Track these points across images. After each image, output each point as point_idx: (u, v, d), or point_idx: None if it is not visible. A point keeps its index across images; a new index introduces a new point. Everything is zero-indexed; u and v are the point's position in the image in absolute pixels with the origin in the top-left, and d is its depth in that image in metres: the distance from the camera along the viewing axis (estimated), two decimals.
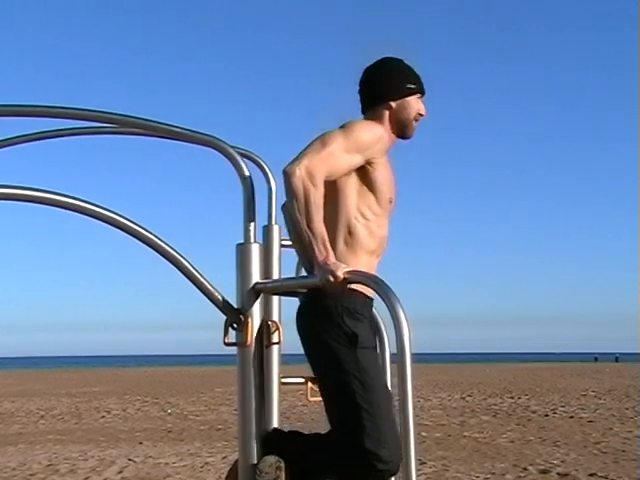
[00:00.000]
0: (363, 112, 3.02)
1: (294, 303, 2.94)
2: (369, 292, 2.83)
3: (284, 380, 2.95)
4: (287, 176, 2.70)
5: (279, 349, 2.87)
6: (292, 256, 3.14)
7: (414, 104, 2.99)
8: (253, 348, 2.75)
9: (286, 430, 2.89)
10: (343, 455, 2.71)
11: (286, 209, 2.97)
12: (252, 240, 2.82)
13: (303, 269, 3.02)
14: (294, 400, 16.14)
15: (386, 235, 2.94)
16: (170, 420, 14.32)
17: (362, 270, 2.69)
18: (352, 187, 2.85)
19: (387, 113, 2.97)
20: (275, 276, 2.89)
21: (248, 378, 2.76)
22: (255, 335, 2.74)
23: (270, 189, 3.12)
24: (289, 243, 3.06)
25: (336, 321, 2.73)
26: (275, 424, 2.87)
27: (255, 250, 2.81)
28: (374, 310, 2.95)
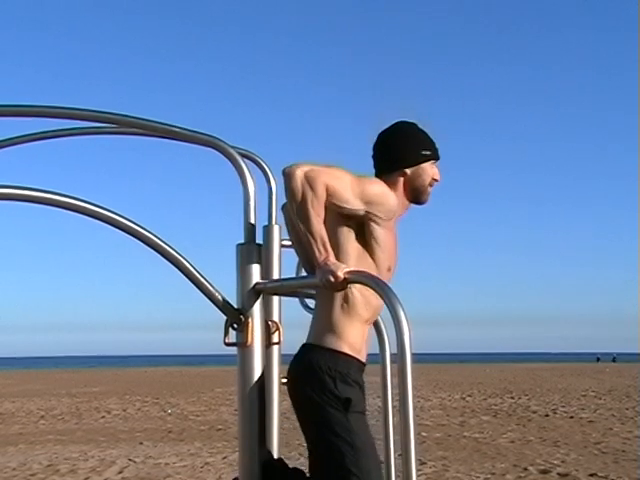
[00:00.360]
0: (377, 176, 2.96)
1: (294, 303, 2.94)
2: (362, 358, 2.84)
3: (284, 380, 2.95)
4: (287, 176, 2.69)
5: (279, 349, 2.87)
6: (292, 256, 3.14)
7: (429, 170, 2.96)
8: (253, 348, 2.75)
9: (289, 466, 2.87)
10: None
11: (286, 209, 2.97)
12: (252, 240, 2.82)
13: (303, 269, 3.02)
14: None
15: (381, 305, 2.82)
16: (170, 420, 14.32)
17: (362, 270, 2.69)
18: (352, 247, 2.81)
19: (401, 180, 2.93)
20: (275, 276, 2.89)
21: (248, 378, 2.76)
22: (255, 335, 2.74)
23: (270, 189, 3.12)
24: (289, 243, 3.06)
25: (329, 386, 2.72)
26: (275, 424, 2.88)
27: (255, 250, 2.81)
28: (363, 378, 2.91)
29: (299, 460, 8.61)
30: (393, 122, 3.03)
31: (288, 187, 2.69)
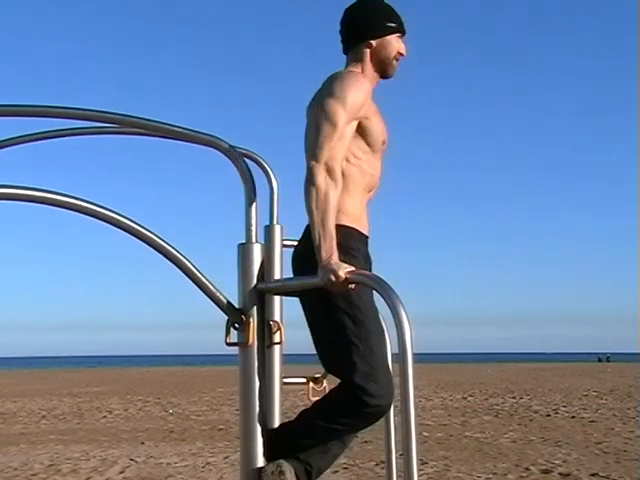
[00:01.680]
0: (345, 52, 3.07)
1: (295, 303, 2.94)
2: (363, 229, 2.91)
3: (286, 380, 2.95)
4: (312, 171, 2.77)
5: (281, 349, 2.86)
6: None
7: (394, 43, 3.03)
8: (255, 348, 2.75)
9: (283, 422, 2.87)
10: (336, 396, 2.74)
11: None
12: (254, 240, 2.82)
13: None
14: (296, 400, 16.13)
15: (378, 173, 3.00)
16: (172, 420, 14.32)
17: (363, 271, 2.70)
18: (349, 132, 2.90)
19: (368, 52, 3.02)
20: (277, 276, 2.89)
21: (250, 378, 2.76)
22: (257, 335, 2.74)
23: (271, 189, 3.12)
24: (291, 243, 3.06)
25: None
26: (277, 424, 2.87)
27: (257, 250, 2.81)
28: (369, 250, 2.98)
29: None
30: None
31: (311, 179, 2.77)
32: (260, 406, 2.76)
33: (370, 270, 2.92)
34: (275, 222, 3.02)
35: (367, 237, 2.95)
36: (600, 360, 64.62)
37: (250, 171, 2.82)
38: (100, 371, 48.68)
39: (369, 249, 3.00)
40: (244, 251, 2.81)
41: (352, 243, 2.83)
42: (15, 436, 12.06)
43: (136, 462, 9.03)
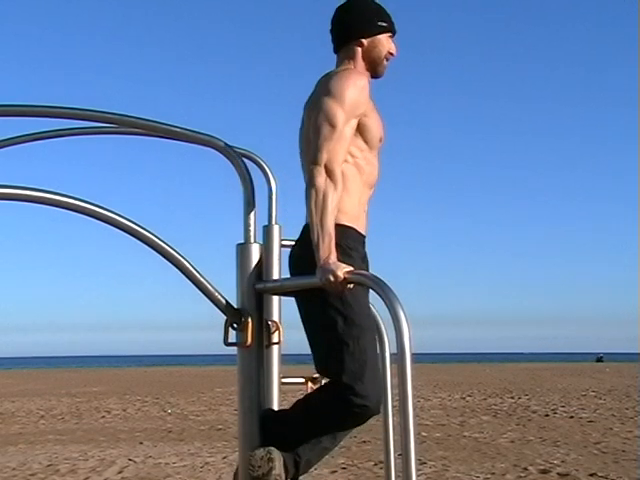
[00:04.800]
0: (335, 52, 3.08)
1: (294, 303, 2.94)
2: (361, 228, 2.91)
3: (284, 380, 2.95)
4: (312, 173, 2.77)
5: (279, 349, 2.87)
6: None
7: (385, 42, 3.04)
8: (253, 348, 2.75)
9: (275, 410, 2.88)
10: (325, 393, 2.76)
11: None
12: (252, 240, 2.82)
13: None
14: (294, 400, 16.13)
15: (375, 170, 3.00)
16: (170, 420, 14.32)
17: (362, 271, 2.70)
18: (346, 130, 2.90)
19: (359, 50, 3.03)
20: (275, 276, 2.89)
21: (248, 378, 2.76)
22: (255, 335, 2.75)
23: (270, 189, 3.12)
24: (289, 243, 3.06)
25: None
26: (274, 409, 2.87)
27: (255, 250, 2.81)
28: (366, 251, 2.97)
29: None
30: None
31: (312, 180, 2.77)
32: (259, 406, 2.77)
33: (367, 270, 2.92)
34: (274, 222, 3.03)
35: (364, 236, 2.95)
36: (599, 360, 64.66)
37: (249, 171, 2.82)
38: (98, 371, 48.66)
39: (366, 249, 3.00)
40: (243, 251, 2.81)
41: (350, 242, 2.84)
42: (13, 436, 12.05)
43: (134, 462, 9.03)
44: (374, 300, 2.86)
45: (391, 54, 3.06)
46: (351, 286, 2.68)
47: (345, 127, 2.84)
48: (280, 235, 3.00)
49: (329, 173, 2.77)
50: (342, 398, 2.67)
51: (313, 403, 2.82)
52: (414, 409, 2.36)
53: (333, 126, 2.81)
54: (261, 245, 2.85)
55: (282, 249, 3.01)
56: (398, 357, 2.36)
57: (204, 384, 27.72)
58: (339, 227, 2.79)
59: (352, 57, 3.02)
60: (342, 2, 3.10)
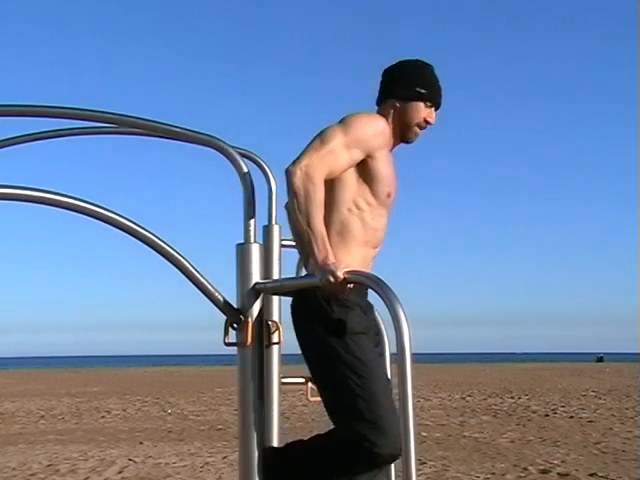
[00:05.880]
0: (377, 103, 3.06)
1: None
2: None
3: (284, 380, 2.95)
4: (288, 176, 2.73)
5: (279, 349, 2.87)
6: (292, 256, 3.14)
7: (421, 109, 2.98)
8: (253, 348, 2.75)
9: (283, 445, 2.86)
10: (341, 447, 2.71)
11: (287, 207, 2.98)
12: (252, 240, 2.82)
13: (304, 269, 3.03)
14: (294, 400, 16.15)
15: (381, 228, 2.94)
16: (170, 420, 14.31)
17: (362, 270, 2.70)
18: (351, 178, 2.87)
19: (392, 112, 2.98)
20: (275, 276, 2.90)
21: (248, 378, 2.76)
22: (255, 335, 2.75)
23: (270, 189, 3.12)
24: (289, 243, 3.07)
25: (324, 311, 2.75)
26: (275, 424, 2.87)
27: (255, 250, 2.82)
28: (369, 301, 2.94)
29: None
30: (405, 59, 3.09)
31: (289, 186, 2.73)
32: (259, 406, 2.77)
33: (367, 319, 2.87)
34: (274, 222, 3.03)
35: (367, 289, 2.87)
36: (599, 360, 64.61)
37: (249, 171, 2.82)
38: (98, 371, 48.65)
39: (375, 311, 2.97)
40: (242, 251, 2.82)
41: (350, 296, 2.78)
42: (13, 436, 12.05)
43: (134, 462, 9.03)
44: (374, 300, 2.86)
45: (427, 122, 2.99)
46: (351, 285, 2.67)
47: (339, 148, 2.78)
48: (280, 235, 3.01)
49: (308, 175, 2.70)
50: (362, 450, 2.64)
51: (333, 456, 2.75)
52: (414, 409, 2.36)
53: (324, 142, 2.78)
54: (261, 245, 2.85)
55: (282, 249, 3.02)
56: (398, 357, 2.36)
57: (204, 384, 27.71)
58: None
59: (386, 116, 2.97)
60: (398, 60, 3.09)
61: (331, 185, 2.83)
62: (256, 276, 2.79)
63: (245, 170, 2.80)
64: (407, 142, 3.03)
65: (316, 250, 2.65)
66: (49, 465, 8.86)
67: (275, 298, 2.91)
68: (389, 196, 2.94)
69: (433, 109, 3.02)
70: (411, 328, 2.37)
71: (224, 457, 9.24)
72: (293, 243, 3.07)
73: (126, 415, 15.52)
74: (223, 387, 24.53)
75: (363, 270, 2.71)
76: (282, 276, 2.95)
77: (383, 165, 2.90)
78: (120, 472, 8.35)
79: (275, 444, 2.87)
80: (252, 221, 2.82)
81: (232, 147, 2.84)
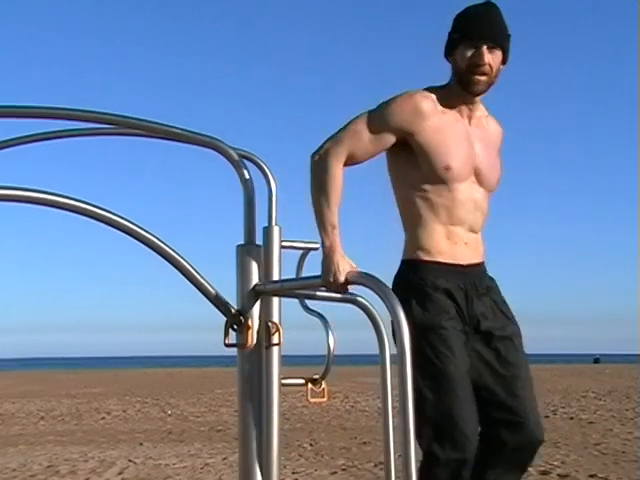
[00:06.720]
0: None
1: (294, 304, 2.94)
2: (448, 258, 2.80)
3: (284, 381, 2.95)
4: (310, 162, 2.77)
5: (279, 350, 2.87)
6: (292, 257, 3.15)
7: (464, 54, 2.83)
8: (253, 349, 2.75)
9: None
10: (423, 463, 2.71)
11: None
12: (252, 241, 2.82)
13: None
14: (294, 401, 16.12)
15: (457, 204, 2.82)
16: (170, 421, 14.31)
17: (363, 271, 2.70)
18: (403, 160, 2.85)
19: (451, 68, 2.92)
20: (275, 277, 2.89)
21: (248, 379, 2.76)
22: (255, 336, 2.75)
23: (270, 190, 3.12)
24: (289, 244, 3.07)
25: (405, 306, 2.75)
26: (276, 425, 2.87)
27: (255, 251, 2.81)
28: (390, 302, 2.91)
29: (299, 461, 8.62)
30: None
31: (310, 171, 2.77)
32: (259, 407, 2.77)
33: (472, 301, 2.82)
34: (274, 223, 3.03)
35: (460, 265, 2.81)
36: (596, 361, 64.49)
37: (249, 172, 2.82)
38: (98, 372, 48.62)
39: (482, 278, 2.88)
40: (243, 252, 2.81)
41: (428, 276, 2.75)
42: (13, 437, 12.04)
43: (134, 463, 9.03)
44: (374, 300, 2.86)
45: (478, 65, 2.79)
46: (350, 288, 2.67)
47: (360, 129, 2.76)
48: (280, 236, 3.00)
49: (320, 160, 2.71)
50: (427, 454, 2.65)
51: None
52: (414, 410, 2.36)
53: (344, 127, 2.79)
54: (261, 246, 2.85)
55: (282, 250, 3.02)
56: (398, 357, 2.36)
57: (204, 385, 27.70)
58: (417, 263, 2.78)
59: (451, 76, 2.91)
60: None
61: (391, 171, 2.85)
62: (256, 277, 2.79)
63: (245, 171, 2.80)
64: (474, 94, 2.86)
65: (322, 240, 2.66)
66: (49, 466, 8.86)
67: (275, 299, 2.91)
68: (447, 169, 2.79)
69: (484, 47, 2.79)
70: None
71: (224, 458, 9.24)
72: (293, 244, 3.08)
73: (126, 416, 15.52)
74: (223, 388, 24.52)
75: (362, 271, 2.71)
76: (282, 277, 2.95)
77: (429, 137, 2.79)
78: (120, 473, 8.35)
79: (275, 445, 2.87)
80: (252, 222, 2.82)
81: (232, 148, 2.84)
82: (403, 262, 2.88)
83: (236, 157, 2.82)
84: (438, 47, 2.99)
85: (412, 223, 2.86)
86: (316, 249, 3.28)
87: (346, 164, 2.83)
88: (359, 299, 2.85)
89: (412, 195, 2.83)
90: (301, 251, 3.33)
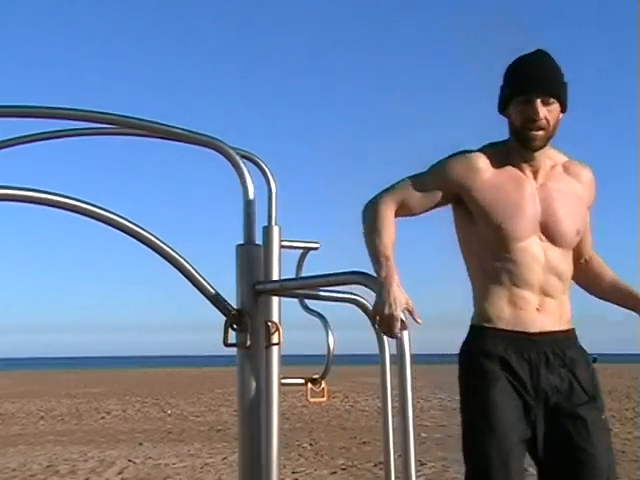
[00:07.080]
0: None
1: (294, 304, 2.95)
2: (507, 325, 2.72)
3: (284, 381, 2.95)
4: (362, 208, 2.80)
5: (279, 350, 2.87)
6: (292, 257, 3.15)
7: (518, 109, 2.68)
8: (253, 349, 2.75)
9: None
10: None
11: None
12: (252, 241, 2.82)
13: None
14: (294, 401, 16.13)
15: (523, 263, 2.68)
16: (170, 421, 14.32)
17: (362, 272, 2.70)
18: (461, 221, 2.83)
19: (508, 125, 2.79)
20: (275, 277, 2.90)
21: (248, 379, 2.76)
22: (255, 336, 2.75)
23: (270, 190, 3.12)
24: (289, 244, 3.07)
25: (460, 371, 2.81)
26: (275, 425, 2.88)
27: (255, 251, 2.81)
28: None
29: (299, 460, 8.62)
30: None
31: (362, 220, 2.77)
32: (258, 407, 2.77)
33: (538, 372, 2.69)
34: (273, 223, 3.03)
35: (524, 333, 2.68)
36: (593, 361, 64.35)
37: (249, 172, 2.82)
38: (98, 372, 48.64)
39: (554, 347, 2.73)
40: (242, 252, 2.81)
41: (483, 343, 2.70)
42: (13, 437, 12.05)
43: (134, 463, 9.03)
44: (373, 299, 2.86)
45: (532, 120, 2.64)
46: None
47: (414, 182, 2.76)
48: (280, 236, 3.01)
49: (370, 205, 2.74)
50: None
51: None
52: (414, 410, 2.36)
53: (400, 180, 2.79)
54: (261, 246, 2.85)
55: (282, 250, 3.02)
56: (398, 358, 2.36)
57: (204, 385, 27.71)
58: (471, 328, 2.77)
59: (509, 132, 2.79)
60: None
61: (456, 230, 2.84)
62: (256, 277, 2.79)
63: (245, 171, 2.80)
64: (532, 150, 2.71)
65: (377, 272, 2.55)
66: (49, 466, 8.87)
67: (275, 299, 2.91)
68: (503, 227, 2.66)
69: (538, 100, 2.64)
70: (410, 329, 2.37)
71: (224, 458, 9.25)
72: (293, 244, 3.08)
73: (126, 416, 15.53)
74: (223, 388, 24.53)
75: (362, 271, 2.70)
76: (282, 277, 2.95)
77: (484, 193, 2.71)
78: (120, 473, 8.36)
79: (275, 445, 2.87)
80: (252, 222, 2.82)
81: (232, 148, 2.84)
82: (470, 326, 2.86)
83: (236, 157, 2.82)
84: (492, 102, 2.87)
85: (475, 286, 2.80)
86: (316, 249, 3.29)
87: (399, 214, 2.77)
88: (359, 299, 2.85)
89: (474, 256, 2.78)
90: (301, 251, 3.34)
